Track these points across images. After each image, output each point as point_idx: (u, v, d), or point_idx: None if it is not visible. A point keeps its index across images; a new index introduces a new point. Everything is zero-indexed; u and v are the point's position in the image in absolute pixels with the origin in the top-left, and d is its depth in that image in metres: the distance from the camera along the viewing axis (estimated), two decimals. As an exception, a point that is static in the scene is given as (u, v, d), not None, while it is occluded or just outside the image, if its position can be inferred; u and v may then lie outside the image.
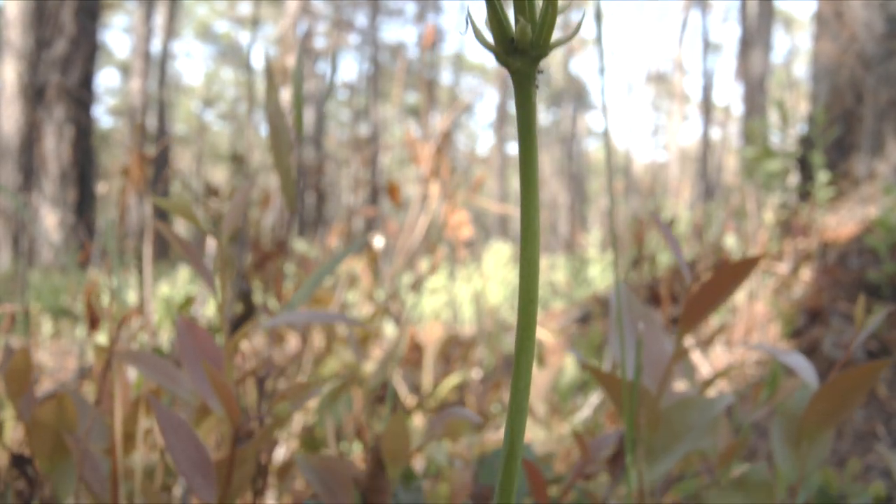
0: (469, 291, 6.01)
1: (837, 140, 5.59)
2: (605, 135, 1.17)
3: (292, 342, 3.16)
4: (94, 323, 1.66)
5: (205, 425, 1.38)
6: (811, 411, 1.30)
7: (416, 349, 2.23)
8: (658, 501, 1.52)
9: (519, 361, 0.52)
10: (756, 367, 4.21)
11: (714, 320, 3.79)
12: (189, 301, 2.12)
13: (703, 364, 3.56)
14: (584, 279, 6.39)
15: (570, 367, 2.76)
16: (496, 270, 6.79)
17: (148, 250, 2.38)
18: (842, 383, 1.27)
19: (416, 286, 3.06)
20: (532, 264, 0.50)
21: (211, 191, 3.17)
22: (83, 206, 11.21)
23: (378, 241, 3.15)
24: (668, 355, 1.44)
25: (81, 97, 11.33)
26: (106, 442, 1.45)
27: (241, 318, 2.21)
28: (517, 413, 0.51)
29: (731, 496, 1.33)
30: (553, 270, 7.46)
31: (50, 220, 10.95)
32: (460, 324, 5.16)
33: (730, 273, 1.29)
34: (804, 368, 1.31)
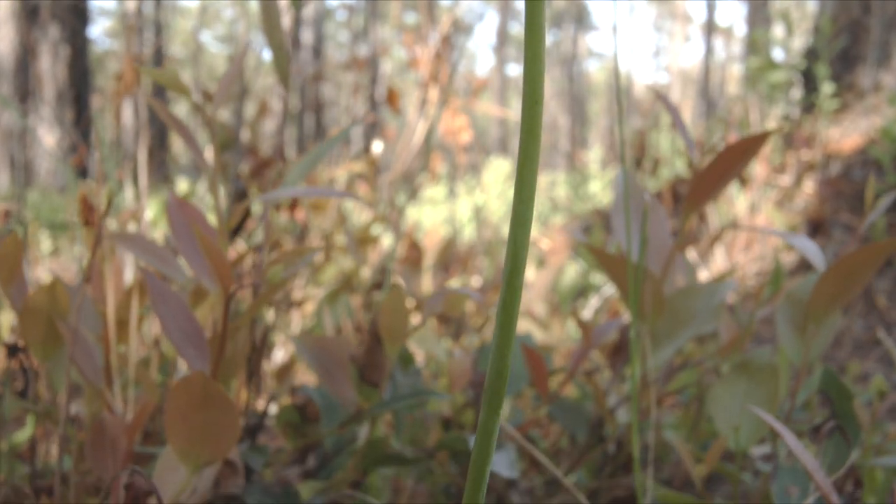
0: (469, 207, 5.97)
1: (842, 52, 5.50)
2: (614, 55, 1.11)
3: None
4: (88, 219, 1.63)
5: (199, 311, 1.35)
6: (817, 293, 1.27)
7: (415, 249, 2.20)
8: (661, 390, 1.51)
9: (514, 234, 0.48)
10: (756, 279, 4.19)
11: (715, 218, 3.76)
12: (187, 196, 2.09)
13: (704, 272, 3.54)
14: (584, 194, 6.34)
15: (570, 272, 2.74)
16: (496, 186, 6.74)
17: (144, 149, 2.33)
18: (849, 263, 1.24)
19: (414, 193, 3.03)
20: (532, 142, 0.46)
21: (206, 96, 3.11)
22: (80, 127, 11.09)
23: (377, 147, 3.10)
24: (671, 242, 1.41)
25: (76, 16, 11.16)
26: (99, 329, 1.43)
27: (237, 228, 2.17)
28: (513, 276, 0.48)
29: (734, 381, 1.31)
30: (553, 187, 7.40)
31: (48, 141, 10.86)
32: (460, 241, 5.13)
33: (739, 149, 1.25)
34: (812, 251, 1.28)
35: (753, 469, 1.71)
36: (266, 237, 1.16)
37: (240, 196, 2.37)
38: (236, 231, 1.89)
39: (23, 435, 1.61)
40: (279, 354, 2.56)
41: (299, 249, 0.89)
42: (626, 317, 1.68)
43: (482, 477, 0.51)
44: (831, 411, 1.19)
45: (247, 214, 2.00)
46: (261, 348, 1.17)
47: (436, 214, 5.74)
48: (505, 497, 1.51)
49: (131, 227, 2.06)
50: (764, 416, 0.95)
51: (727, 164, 1.27)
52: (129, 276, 1.77)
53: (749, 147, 1.26)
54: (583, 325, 1.41)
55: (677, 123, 1.35)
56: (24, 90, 11.04)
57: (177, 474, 1.03)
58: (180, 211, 1.15)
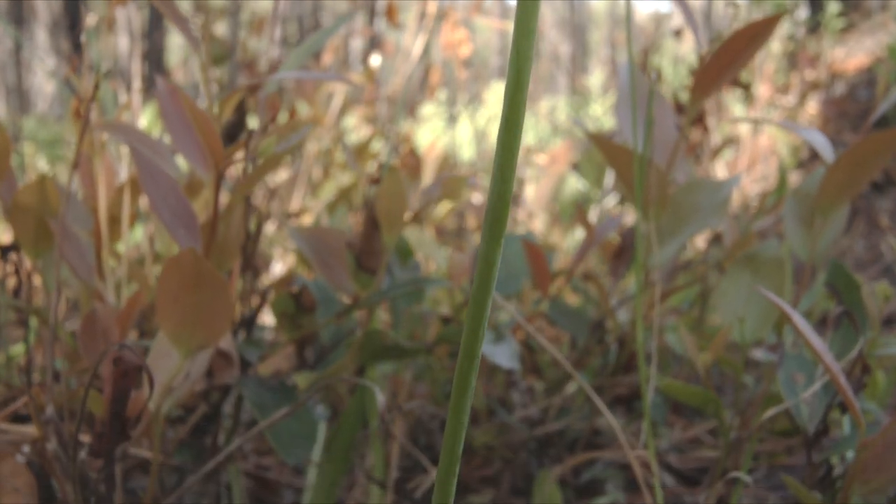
0: (469, 133, 5.91)
1: (850, -31, 5.39)
2: None
3: (284, 175, 3.09)
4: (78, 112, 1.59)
5: (194, 205, 1.32)
6: (826, 185, 1.24)
7: (413, 157, 2.16)
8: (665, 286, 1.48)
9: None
10: (758, 199, 4.16)
11: (717, 138, 3.71)
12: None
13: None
14: (585, 115, 6.27)
15: (570, 186, 2.70)
16: (497, 110, 6.66)
17: (137, 54, 2.28)
18: (858, 152, 1.20)
19: (413, 110, 2.98)
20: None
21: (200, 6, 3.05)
22: (75, 52, 10.96)
23: (375, 61, 3.05)
24: (676, 135, 1.37)
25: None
26: (91, 227, 1.40)
27: (232, 125, 2.12)
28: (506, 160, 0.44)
29: (739, 274, 1.28)
30: (554, 112, 7.32)
31: (43, 69, 10.73)
32: (460, 163, 5.08)
33: (747, 34, 1.21)
34: (821, 142, 1.24)
35: (757, 374, 1.69)
36: (261, 124, 1.12)
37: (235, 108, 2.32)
38: (231, 136, 1.85)
39: (19, 348, 1.59)
40: (277, 267, 2.54)
41: (293, 123, 0.86)
42: (628, 215, 1.65)
43: (475, 349, 0.48)
44: (839, 302, 1.16)
45: (243, 120, 1.96)
46: (255, 237, 1.14)
47: (435, 136, 5.68)
48: (506, 397, 1.50)
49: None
50: (772, 298, 0.92)
51: (735, 51, 1.23)
52: (122, 175, 1.73)
53: (758, 33, 1.22)
54: (584, 220, 1.38)
55: (683, 11, 1.30)
56: (19, 18, 10.88)
57: (169, 360, 1.00)
58: (171, 97, 1.11)
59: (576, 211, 1.41)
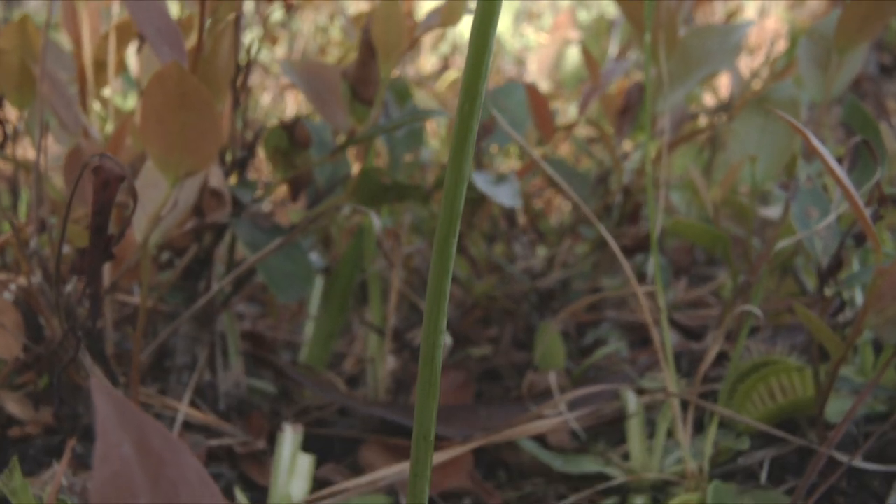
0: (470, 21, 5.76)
1: None
2: None
3: (280, 53, 3.01)
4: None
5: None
6: (845, 20, 1.18)
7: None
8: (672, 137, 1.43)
9: None
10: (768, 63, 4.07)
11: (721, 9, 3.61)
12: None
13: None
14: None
15: (572, 56, 2.62)
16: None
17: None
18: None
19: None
20: None
21: None
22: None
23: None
24: (688, -24, 1.31)
25: None
26: (73, 71, 1.34)
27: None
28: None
29: (752, 117, 1.23)
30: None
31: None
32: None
33: None
34: None
35: (763, 235, 1.65)
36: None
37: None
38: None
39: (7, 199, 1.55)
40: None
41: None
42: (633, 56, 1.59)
43: (460, 179, 0.43)
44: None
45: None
46: (247, 70, 1.09)
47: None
48: (510, 249, 1.46)
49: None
50: (789, 120, 0.87)
51: None
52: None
53: None
54: (590, 60, 1.32)
55: None
56: None
57: (157, 190, 0.96)
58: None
59: (581, 55, 1.36)
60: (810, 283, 1.43)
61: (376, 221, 0.93)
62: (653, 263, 1.30)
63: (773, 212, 1.71)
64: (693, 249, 1.82)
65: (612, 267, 1.68)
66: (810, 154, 1.20)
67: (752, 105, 1.24)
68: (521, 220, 1.58)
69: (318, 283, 1.41)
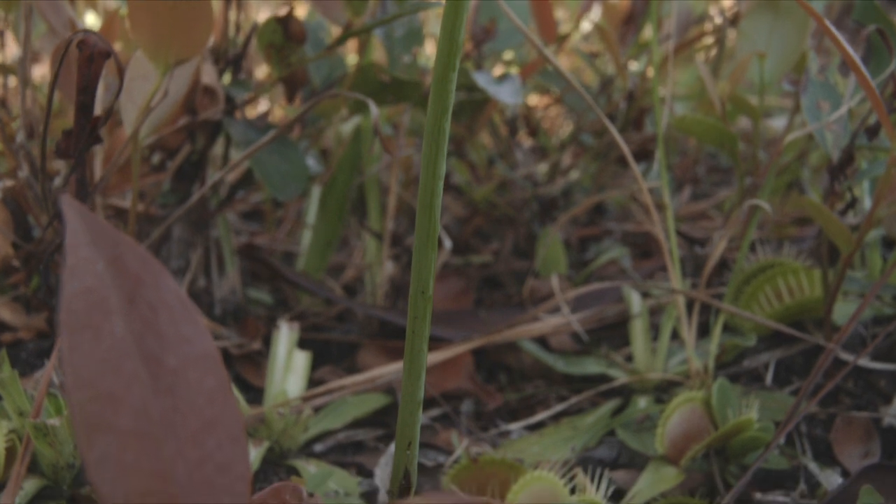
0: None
1: None
2: None
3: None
4: None
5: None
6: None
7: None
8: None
9: None
10: None
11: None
12: None
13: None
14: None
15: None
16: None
17: None
18: None
19: None
20: None
21: None
22: None
23: None
24: None
25: None
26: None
27: None
28: None
29: (760, 16, 1.19)
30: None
31: None
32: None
33: None
34: None
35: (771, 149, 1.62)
36: None
37: None
38: None
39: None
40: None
41: None
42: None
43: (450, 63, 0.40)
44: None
45: None
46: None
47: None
48: (511, 157, 1.43)
49: None
50: (803, 3, 0.84)
51: None
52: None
53: None
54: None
55: None
56: None
57: (147, 82, 0.93)
58: None
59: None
60: (816, 198, 1.40)
61: (373, 109, 0.90)
62: (656, 172, 1.27)
63: (778, 122, 1.68)
64: (695, 164, 1.79)
65: (614, 180, 1.66)
66: (821, 50, 1.17)
67: (761, 5, 1.20)
68: (523, 134, 1.55)
69: (316, 194, 1.38)
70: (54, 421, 0.77)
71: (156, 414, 0.32)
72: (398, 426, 0.50)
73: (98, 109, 0.88)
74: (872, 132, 0.96)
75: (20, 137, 0.97)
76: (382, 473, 0.83)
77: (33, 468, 0.83)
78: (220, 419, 0.34)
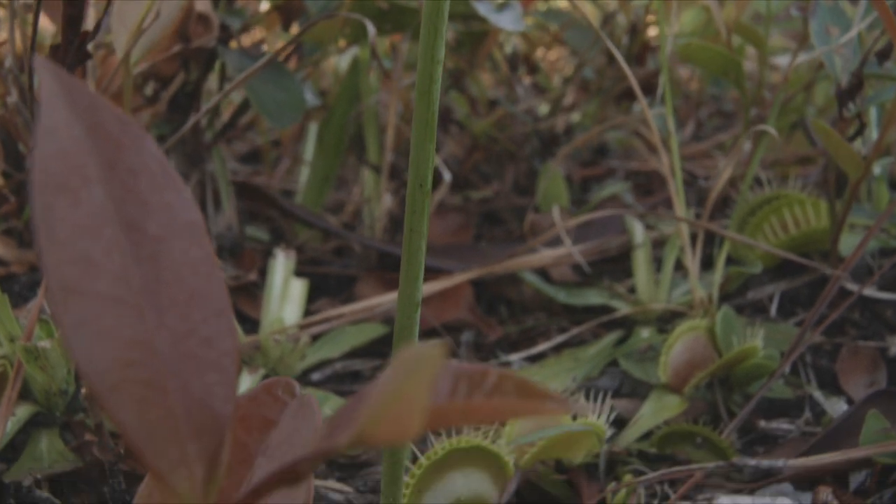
0: None
1: None
2: None
3: None
4: None
5: None
6: None
7: None
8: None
9: None
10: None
11: None
12: None
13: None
14: None
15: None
16: None
17: None
18: None
19: None
20: None
21: None
22: None
23: None
24: None
25: None
26: None
27: None
28: None
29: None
30: None
31: None
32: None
33: None
34: None
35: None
36: None
37: None
38: None
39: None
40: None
41: None
42: None
43: None
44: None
45: None
46: None
47: None
48: (512, 93, 1.41)
49: None
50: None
51: None
52: None
53: None
54: None
55: None
56: None
57: (138, 5, 0.90)
58: None
59: None
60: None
61: (371, 30, 0.88)
62: (660, 98, 1.24)
63: (783, 60, 1.65)
64: (698, 108, 1.77)
65: (617, 118, 1.63)
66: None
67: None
68: (523, 73, 1.52)
69: (313, 130, 1.36)
70: (45, 343, 0.76)
71: (136, 282, 0.31)
72: (395, 329, 0.49)
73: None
74: (883, 55, 0.94)
75: (8, 62, 0.95)
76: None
77: (26, 395, 0.82)
78: (204, 291, 0.32)
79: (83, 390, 0.72)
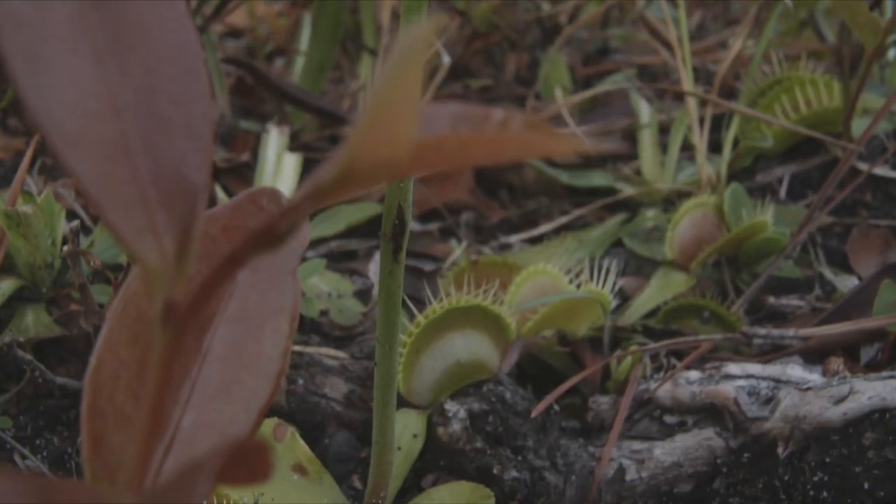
0: None
1: None
2: None
3: None
4: None
5: None
6: None
7: None
8: None
9: None
10: None
11: None
12: None
13: None
14: None
15: None
16: None
17: None
18: None
19: None
20: None
21: None
22: None
23: None
24: None
25: None
26: None
27: None
28: None
29: None
30: None
31: None
32: None
33: None
34: None
35: None
36: None
37: None
38: None
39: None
40: None
41: None
42: None
43: None
44: None
45: None
46: None
47: None
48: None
49: None
50: None
51: None
52: None
53: None
54: None
55: None
56: None
57: None
58: None
59: None
60: (830, 33, 1.33)
61: None
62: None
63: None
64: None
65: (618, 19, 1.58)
66: None
67: None
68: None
69: (308, 20, 1.31)
70: (27, 208, 0.73)
71: (94, 26, 0.27)
72: (385, 209, 0.45)
73: None
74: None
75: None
76: (376, 268, 0.79)
77: (10, 269, 0.79)
78: (173, 47, 0.29)
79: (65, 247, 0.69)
